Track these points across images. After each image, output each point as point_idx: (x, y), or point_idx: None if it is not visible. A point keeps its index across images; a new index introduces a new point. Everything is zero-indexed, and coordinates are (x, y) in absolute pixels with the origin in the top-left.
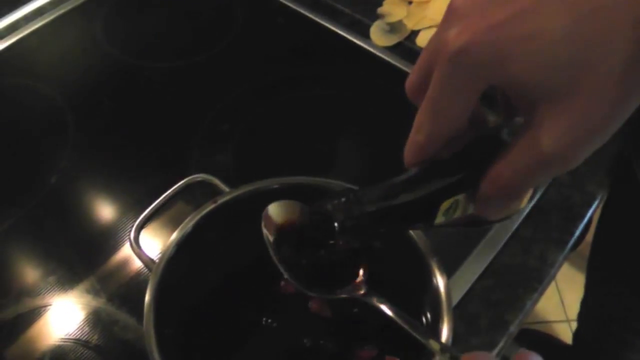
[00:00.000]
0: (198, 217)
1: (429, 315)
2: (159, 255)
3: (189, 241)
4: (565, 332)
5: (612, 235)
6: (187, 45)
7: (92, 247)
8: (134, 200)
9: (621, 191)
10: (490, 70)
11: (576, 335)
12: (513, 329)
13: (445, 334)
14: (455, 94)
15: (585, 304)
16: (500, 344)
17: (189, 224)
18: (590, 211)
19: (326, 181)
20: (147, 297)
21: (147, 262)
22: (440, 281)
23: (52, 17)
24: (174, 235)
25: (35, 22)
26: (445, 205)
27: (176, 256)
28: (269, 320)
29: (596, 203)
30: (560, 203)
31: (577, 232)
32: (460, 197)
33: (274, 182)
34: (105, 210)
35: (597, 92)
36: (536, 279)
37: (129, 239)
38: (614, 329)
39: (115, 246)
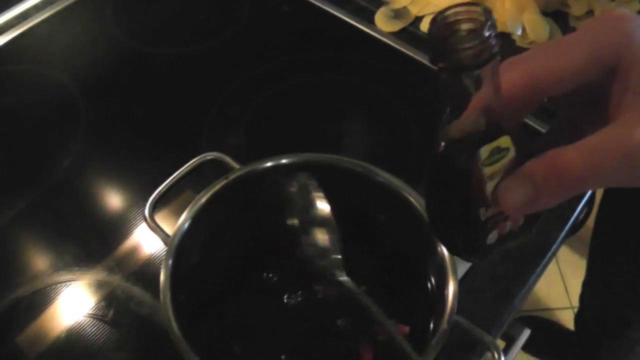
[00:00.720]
0: (211, 192)
1: (433, 282)
2: (175, 229)
3: (203, 215)
4: (569, 319)
5: (614, 213)
6: (195, 33)
7: (106, 227)
8: (146, 181)
9: None
10: (620, 37)
11: (577, 317)
12: (517, 302)
13: (450, 298)
14: (582, 38)
15: (586, 284)
16: (505, 317)
17: (202, 198)
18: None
19: (336, 157)
20: (163, 269)
21: (163, 236)
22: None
23: (61, 7)
24: (188, 210)
25: (45, 11)
26: (498, 144)
27: (191, 229)
28: (292, 296)
29: None
30: None
31: (579, 208)
32: (511, 151)
33: (284, 159)
34: (119, 191)
35: None
36: (539, 254)
37: (144, 215)
38: (615, 306)
39: (129, 225)
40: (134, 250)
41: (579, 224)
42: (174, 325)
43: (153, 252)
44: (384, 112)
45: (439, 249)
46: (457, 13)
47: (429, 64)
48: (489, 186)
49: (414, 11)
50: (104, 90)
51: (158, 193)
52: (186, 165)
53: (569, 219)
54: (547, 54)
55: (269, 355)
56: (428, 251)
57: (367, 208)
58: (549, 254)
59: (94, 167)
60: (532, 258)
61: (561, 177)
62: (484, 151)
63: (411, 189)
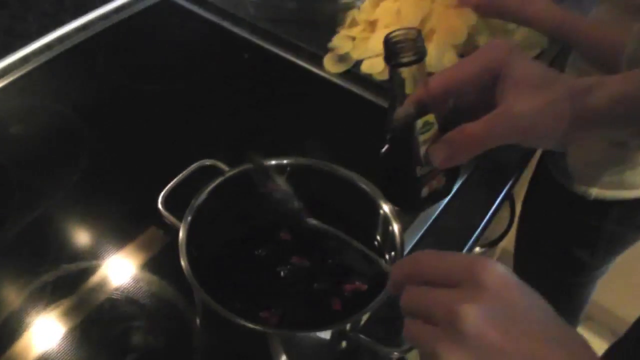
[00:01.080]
0: (212, 185)
1: (380, 240)
2: (187, 208)
3: (207, 202)
4: None
5: (533, 222)
6: (175, 74)
7: (120, 227)
8: (148, 188)
9: (540, 184)
10: (502, 55)
11: None
12: None
13: (398, 242)
14: (478, 56)
15: None
16: None
17: (206, 189)
18: (507, 187)
19: (306, 159)
20: (180, 234)
21: (174, 222)
22: (387, 209)
23: (59, 52)
24: (196, 197)
25: (44, 55)
26: (427, 119)
27: (199, 209)
28: (279, 267)
29: (512, 180)
30: (483, 182)
31: (496, 203)
32: (435, 126)
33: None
34: (125, 198)
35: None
36: (464, 238)
37: (158, 207)
38: None
39: (141, 225)
40: (147, 244)
41: (503, 234)
42: (193, 277)
43: (161, 245)
44: (334, 131)
45: (385, 216)
46: (400, 31)
47: (368, 97)
48: (422, 150)
49: (355, 56)
50: (102, 119)
51: (168, 189)
52: (189, 168)
53: (488, 210)
54: (455, 67)
55: (262, 308)
56: (376, 219)
57: (331, 195)
58: (473, 238)
59: (102, 180)
60: (460, 240)
61: (468, 139)
62: (419, 123)
63: (361, 177)
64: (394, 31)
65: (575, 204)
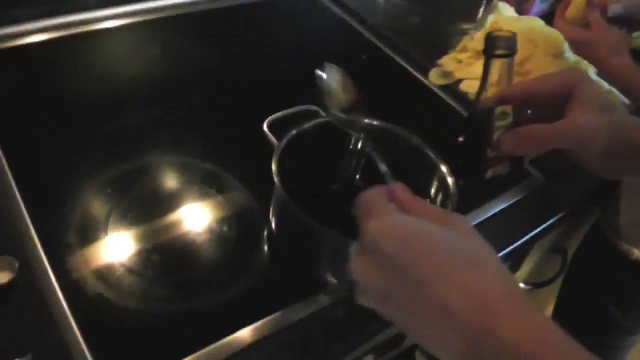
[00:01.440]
0: (313, 122)
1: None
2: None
3: (304, 132)
4: None
5: (577, 273)
6: (296, 51)
7: (228, 142)
8: (259, 118)
9: (591, 238)
10: (575, 76)
11: None
12: None
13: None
14: (555, 74)
15: None
16: None
17: (306, 124)
18: (554, 219)
19: (388, 124)
20: (274, 155)
21: (273, 140)
22: (444, 169)
23: (189, 11)
24: (295, 128)
25: (175, 10)
26: (505, 109)
27: (294, 138)
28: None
29: (561, 214)
30: (536, 203)
31: (542, 226)
32: (511, 117)
33: (353, 117)
34: (240, 119)
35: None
36: (508, 242)
37: (264, 129)
38: None
39: (246, 144)
40: (242, 159)
41: (550, 280)
42: (279, 179)
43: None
44: (420, 126)
45: (442, 175)
46: (499, 31)
47: (458, 110)
48: (495, 135)
49: (457, 75)
50: (234, 65)
51: (272, 118)
52: (296, 107)
53: (534, 229)
54: (536, 79)
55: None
56: (433, 178)
57: (402, 157)
58: (516, 244)
59: (220, 105)
60: (500, 245)
61: (536, 135)
62: (498, 109)
63: (427, 145)
64: (495, 30)
65: (617, 262)
